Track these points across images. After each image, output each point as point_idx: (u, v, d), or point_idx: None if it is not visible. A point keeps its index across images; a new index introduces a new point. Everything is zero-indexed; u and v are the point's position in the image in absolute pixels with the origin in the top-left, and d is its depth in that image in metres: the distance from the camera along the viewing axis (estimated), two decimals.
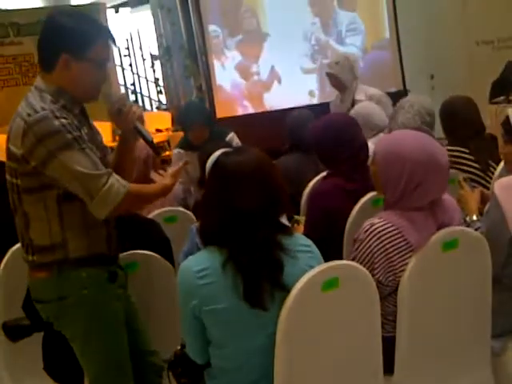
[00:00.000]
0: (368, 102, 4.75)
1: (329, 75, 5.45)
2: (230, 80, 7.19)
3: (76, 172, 2.18)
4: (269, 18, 7.31)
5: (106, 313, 2.36)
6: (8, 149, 2.26)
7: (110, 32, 2.38)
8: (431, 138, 2.47)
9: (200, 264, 2.00)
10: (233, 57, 7.17)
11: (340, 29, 7.44)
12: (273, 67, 7.26)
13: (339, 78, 5.34)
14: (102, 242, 2.37)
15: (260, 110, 7.24)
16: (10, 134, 2.26)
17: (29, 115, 2.19)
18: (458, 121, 3.70)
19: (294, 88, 7.27)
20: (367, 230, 2.34)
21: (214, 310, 1.99)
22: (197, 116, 4.62)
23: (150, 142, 2.47)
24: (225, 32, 7.16)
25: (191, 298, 2.00)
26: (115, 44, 2.42)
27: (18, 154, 2.22)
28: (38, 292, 2.36)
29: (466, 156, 3.63)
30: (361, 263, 2.31)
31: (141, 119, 2.44)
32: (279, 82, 7.30)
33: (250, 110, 7.24)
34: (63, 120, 2.19)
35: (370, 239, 2.32)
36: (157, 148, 2.58)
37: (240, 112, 7.23)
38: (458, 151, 3.63)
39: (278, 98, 7.21)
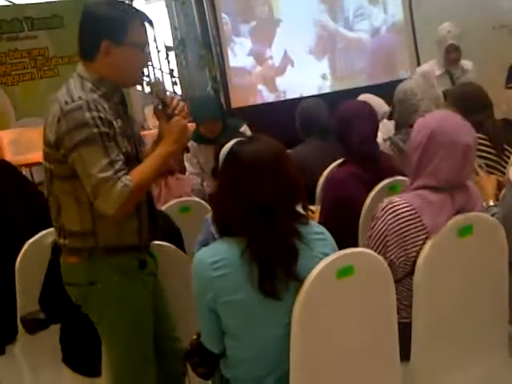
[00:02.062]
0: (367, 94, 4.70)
1: (453, 47, 5.17)
2: (244, 66, 7.26)
3: (87, 170, 2.18)
4: (281, 4, 7.34)
5: (133, 300, 2.39)
6: (45, 134, 2.29)
7: (145, 14, 2.40)
8: (462, 119, 2.44)
9: (215, 255, 2.00)
10: (246, 44, 7.22)
11: (347, 15, 7.45)
12: (286, 52, 7.29)
13: (460, 49, 5.07)
14: (132, 233, 2.38)
15: (274, 93, 7.32)
16: (47, 119, 2.28)
17: (66, 103, 2.21)
18: (472, 106, 3.66)
19: (307, 72, 7.31)
20: (384, 208, 2.35)
21: (229, 301, 1.99)
22: (207, 110, 4.58)
23: None
24: (238, 20, 7.20)
25: (206, 290, 1.99)
26: (152, 26, 2.44)
27: (51, 139, 2.25)
28: (69, 276, 2.39)
29: (482, 142, 3.59)
30: (376, 241, 2.33)
31: (187, 115, 2.44)
32: (292, 65, 7.34)
33: (265, 94, 7.31)
34: (95, 113, 2.19)
35: (386, 217, 2.33)
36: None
37: (255, 97, 7.30)
38: None
39: (291, 82, 7.27)
